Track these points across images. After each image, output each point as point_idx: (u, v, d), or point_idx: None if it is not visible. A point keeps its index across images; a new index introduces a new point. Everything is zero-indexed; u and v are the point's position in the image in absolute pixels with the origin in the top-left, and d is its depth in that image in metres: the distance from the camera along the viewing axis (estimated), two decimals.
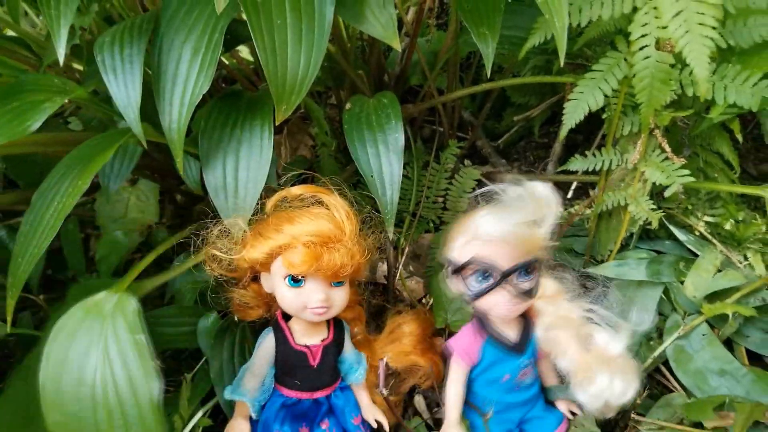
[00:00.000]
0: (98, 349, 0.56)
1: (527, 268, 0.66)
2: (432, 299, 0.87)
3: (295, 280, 0.67)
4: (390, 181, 0.74)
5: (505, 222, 0.64)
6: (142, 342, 0.55)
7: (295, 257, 0.65)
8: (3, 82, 0.73)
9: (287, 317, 0.72)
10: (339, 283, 0.69)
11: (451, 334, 0.78)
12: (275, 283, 0.68)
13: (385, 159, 0.75)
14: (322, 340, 0.71)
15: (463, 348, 0.70)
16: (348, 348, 0.74)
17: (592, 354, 0.64)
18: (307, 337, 0.71)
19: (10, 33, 0.98)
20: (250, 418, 0.70)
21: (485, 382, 0.71)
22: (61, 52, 0.59)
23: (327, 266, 0.65)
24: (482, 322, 0.70)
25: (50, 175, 0.62)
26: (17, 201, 0.81)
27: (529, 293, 0.66)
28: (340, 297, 0.69)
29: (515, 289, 0.65)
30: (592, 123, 1.16)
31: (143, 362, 0.55)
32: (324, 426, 0.71)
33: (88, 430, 0.54)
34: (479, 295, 0.66)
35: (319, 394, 0.71)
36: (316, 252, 0.65)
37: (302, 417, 0.70)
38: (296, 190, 0.71)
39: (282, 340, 0.70)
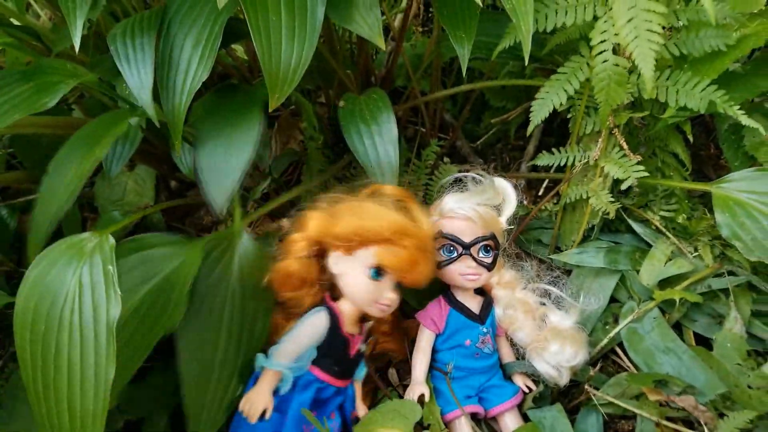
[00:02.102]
0: (74, 276, 0.59)
1: (486, 246, 0.77)
2: None
3: (378, 274, 0.69)
4: (389, 169, 0.79)
5: (466, 201, 0.77)
6: (111, 272, 0.59)
7: (396, 255, 0.67)
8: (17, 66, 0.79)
9: None
10: (398, 286, 0.72)
11: None
12: (353, 269, 0.70)
13: (381, 149, 0.80)
14: (359, 333, 0.74)
15: (430, 318, 0.78)
16: (362, 347, 0.76)
17: (547, 329, 0.74)
18: (352, 327, 0.73)
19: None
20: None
21: (449, 348, 0.78)
22: (76, 40, 0.65)
23: (416, 272, 0.69)
24: (447, 296, 0.80)
25: (65, 146, 0.68)
26: (22, 179, 0.87)
27: (487, 266, 0.77)
28: (397, 300, 0.72)
29: (476, 261, 0.76)
30: (564, 128, 1.24)
31: (108, 288, 0.58)
32: (332, 417, 0.72)
33: (49, 348, 0.57)
34: (445, 263, 0.77)
35: (345, 383, 0.73)
36: (415, 257, 0.68)
37: (317, 403, 0.70)
38: (391, 190, 0.74)
39: (335, 324, 0.71)
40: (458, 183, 0.85)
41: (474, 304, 0.80)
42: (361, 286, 0.70)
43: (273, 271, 0.72)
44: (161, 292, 0.67)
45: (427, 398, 0.74)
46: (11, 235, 0.98)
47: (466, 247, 0.76)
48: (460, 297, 0.80)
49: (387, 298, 0.70)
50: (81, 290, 0.59)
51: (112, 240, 0.61)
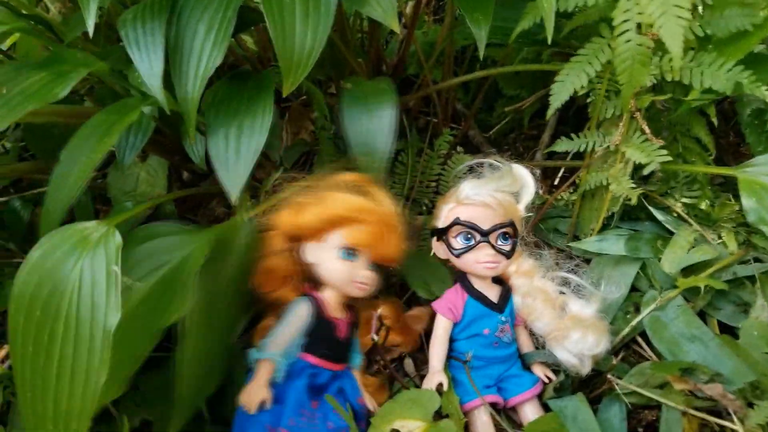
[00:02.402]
0: (76, 269, 0.58)
1: (505, 234, 0.75)
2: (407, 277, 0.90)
3: (350, 254, 0.72)
4: (379, 157, 0.78)
5: (483, 188, 0.76)
6: (115, 273, 0.57)
7: (361, 232, 0.71)
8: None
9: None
10: (374, 266, 0.74)
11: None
12: (326, 254, 0.73)
13: (378, 135, 0.78)
14: (346, 317, 0.76)
15: (447, 306, 0.77)
16: (355, 335, 0.78)
17: (567, 318, 0.72)
18: (336, 312, 0.75)
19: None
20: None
21: (467, 337, 0.77)
22: (90, 25, 0.64)
23: (384, 246, 0.72)
24: (464, 283, 0.78)
25: (76, 135, 0.67)
26: (34, 170, 0.86)
27: (506, 254, 0.76)
28: (376, 279, 0.75)
29: (494, 249, 0.74)
30: (580, 116, 1.22)
31: (110, 292, 0.57)
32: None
33: (42, 335, 0.56)
34: (463, 251, 0.75)
35: (340, 367, 0.74)
36: (380, 231, 0.72)
37: (315, 390, 0.70)
38: (349, 176, 0.75)
39: (318, 310, 0.73)
40: (474, 170, 0.83)
41: (492, 292, 0.78)
42: (336, 269, 0.73)
43: (257, 271, 0.75)
44: (171, 280, 0.66)
45: (445, 387, 0.72)
46: (24, 226, 0.97)
47: (485, 234, 0.75)
48: (478, 285, 0.78)
49: (362, 275, 0.73)
50: (81, 284, 0.57)
51: (118, 238, 0.60)
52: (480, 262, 0.76)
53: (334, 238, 0.72)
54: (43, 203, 0.66)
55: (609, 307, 0.81)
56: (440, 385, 0.73)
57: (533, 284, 0.78)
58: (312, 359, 0.71)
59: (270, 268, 0.75)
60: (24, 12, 1.01)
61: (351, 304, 0.78)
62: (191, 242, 0.69)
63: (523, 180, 0.80)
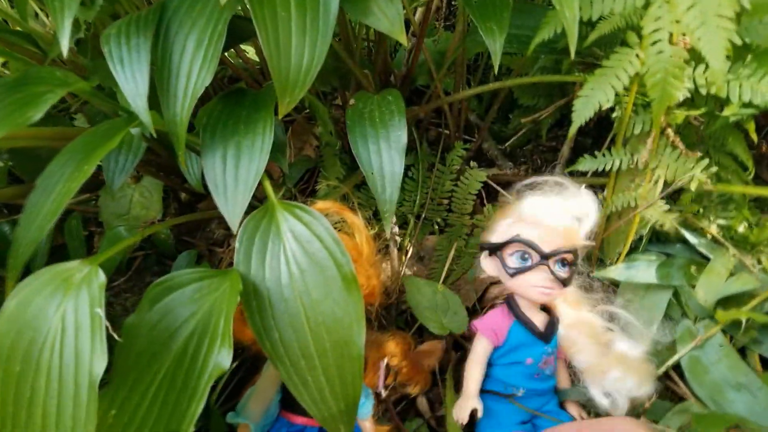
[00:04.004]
0: (58, 314, 0.53)
1: (563, 260, 0.70)
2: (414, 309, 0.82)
3: None
4: (391, 179, 0.73)
5: (550, 208, 0.70)
6: (98, 315, 0.53)
7: None
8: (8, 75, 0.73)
9: None
10: None
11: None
12: None
13: (386, 156, 0.74)
14: None
15: (490, 327, 0.71)
16: (380, 390, 0.71)
17: (611, 356, 0.65)
18: None
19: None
20: None
21: (507, 364, 0.71)
22: (64, 43, 0.58)
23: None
24: (511, 306, 0.72)
25: (55, 160, 0.62)
26: (20, 194, 0.81)
27: (563, 281, 0.69)
28: None
29: (552, 274, 0.69)
30: (601, 126, 1.15)
31: (94, 337, 0.52)
32: None
33: (23, 393, 0.51)
34: (519, 272, 0.69)
35: None
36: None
37: None
38: (321, 204, 0.69)
39: None
40: (533, 186, 0.76)
41: (539, 320, 0.72)
42: None
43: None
44: (203, 332, 0.58)
45: (480, 414, 0.66)
46: None
47: (545, 257, 0.68)
48: (526, 311, 0.72)
49: None
50: (64, 331, 0.52)
51: (102, 277, 0.54)
52: (535, 286, 0.69)
53: None
54: (13, 238, 0.60)
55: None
56: (474, 411, 0.67)
57: (580, 316, 0.72)
58: (291, 417, 0.66)
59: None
60: (17, 28, 0.98)
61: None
62: (214, 288, 0.60)
63: (588, 206, 0.72)
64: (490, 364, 0.72)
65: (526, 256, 0.69)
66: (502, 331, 0.71)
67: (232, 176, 0.68)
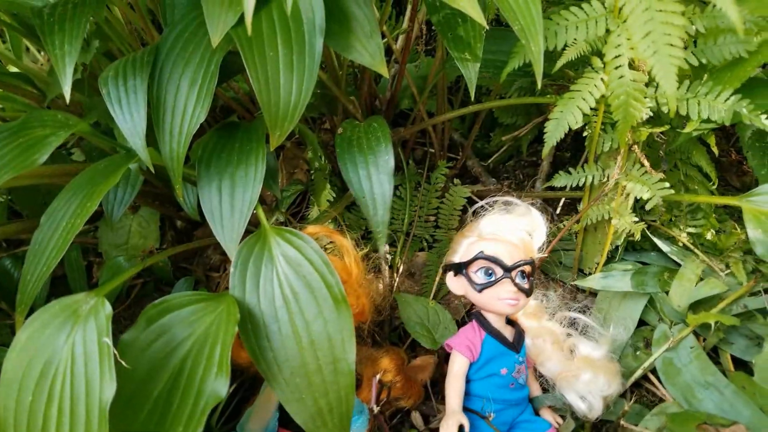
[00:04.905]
0: (67, 344, 0.56)
1: (523, 272, 0.74)
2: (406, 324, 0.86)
3: None
4: (381, 202, 0.76)
5: (508, 224, 0.75)
6: (107, 344, 0.55)
7: None
8: (9, 117, 0.77)
9: None
10: None
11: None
12: None
13: (376, 180, 0.77)
14: None
15: (465, 343, 0.74)
16: (373, 407, 0.73)
17: (577, 359, 0.70)
18: None
19: (13, 69, 1.02)
20: None
21: (484, 378, 0.74)
22: (67, 90, 0.62)
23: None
24: (480, 321, 0.76)
25: (59, 197, 0.65)
26: (21, 230, 0.84)
27: (525, 292, 0.73)
28: None
29: (516, 286, 0.72)
30: (579, 141, 1.20)
31: (103, 364, 0.54)
32: None
33: (35, 422, 0.53)
34: (486, 287, 0.73)
35: None
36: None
37: None
38: (312, 229, 0.72)
39: None
40: (486, 207, 0.81)
41: (507, 332, 0.76)
42: None
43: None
44: (199, 354, 0.60)
45: (467, 429, 0.69)
46: (15, 286, 0.95)
47: (508, 270, 0.72)
48: (494, 324, 0.76)
49: None
50: (74, 360, 0.55)
51: (108, 308, 0.57)
52: (501, 298, 0.73)
53: None
54: (21, 274, 0.64)
55: (618, 344, 0.79)
56: (461, 427, 0.69)
57: (541, 325, 0.77)
58: None
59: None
60: (13, 69, 1.01)
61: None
62: (211, 310, 0.63)
63: (538, 221, 0.78)
64: (468, 381, 0.75)
65: (490, 271, 0.73)
66: (476, 346, 0.74)
67: (228, 205, 0.71)
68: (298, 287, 0.64)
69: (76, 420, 0.53)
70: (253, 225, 0.73)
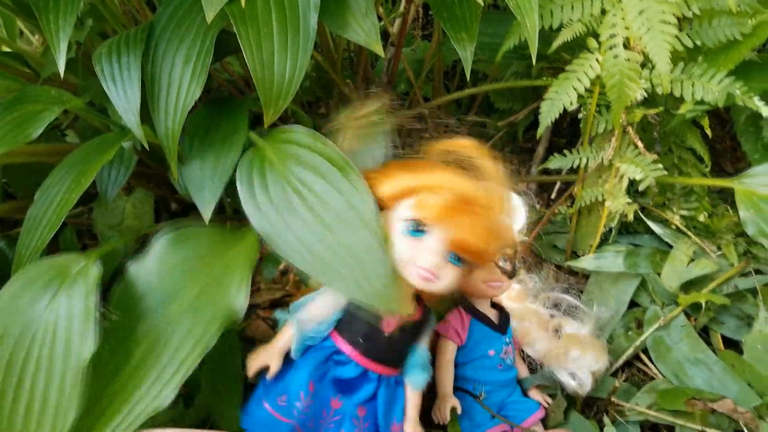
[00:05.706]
0: (51, 304, 0.55)
1: (505, 254, 0.74)
2: None
3: (417, 230, 0.57)
4: None
5: None
6: (91, 304, 0.54)
7: (433, 199, 0.56)
8: (1, 95, 0.76)
9: None
10: (457, 261, 0.58)
11: None
12: (390, 224, 0.58)
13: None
14: (408, 315, 0.60)
15: (453, 328, 0.74)
16: (424, 343, 0.65)
17: (563, 338, 0.71)
18: None
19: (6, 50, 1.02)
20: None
21: (473, 360, 0.75)
22: (61, 65, 0.62)
23: (462, 228, 0.56)
24: (466, 306, 0.76)
25: (53, 174, 0.65)
26: (14, 210, 0.84)
27: (508, 274, 0.74)
28: (451, 276, 0.59)
29: (499, 268, 0.73)
30: (574, 126, 1.20)
31: (85, 324, 0.53)
32: (360, 413, 0.61)
33: (13, 377, 0.53)
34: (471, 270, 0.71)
35: (375, 369, 0.61)
36: (458, 206, 0.56)
37: (341, 385, 0.61)
38: (466, 142, 0.63)
39: None
40: None
41: (492, 314, 0.77)
42: (395, 245, 0.57)
43: None
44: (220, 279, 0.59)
45: (459, 411, 0.70)
46: (9, 266, 0.95)
47: None
48: (479, 307, 0.76)
49: (424, 260, 0.57)
50: (56, 322, 0.54)
51: (99, 269, 0.56)
52: (485, 281, 0.74)
53: (403, 207, 0.58)
54: (16, 249, 0.64)
55: (607, 324, 0.80)
56: (453, 409, 0.70)
57: (526, 308, 0.77)
58: (340, 343, 0.60)
59: None
60: (4, 47, 1.01)
61: (423, 301, 0.64)
62: (234, 240, 0.63)
63: (517, 206, 0.78)
64: (457, 365, 0.75)
65: None
66: (464, 331, 0.74)
67: (207, 180, 0.70)
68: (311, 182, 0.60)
69: (51, 380, 0.52)
70: None
